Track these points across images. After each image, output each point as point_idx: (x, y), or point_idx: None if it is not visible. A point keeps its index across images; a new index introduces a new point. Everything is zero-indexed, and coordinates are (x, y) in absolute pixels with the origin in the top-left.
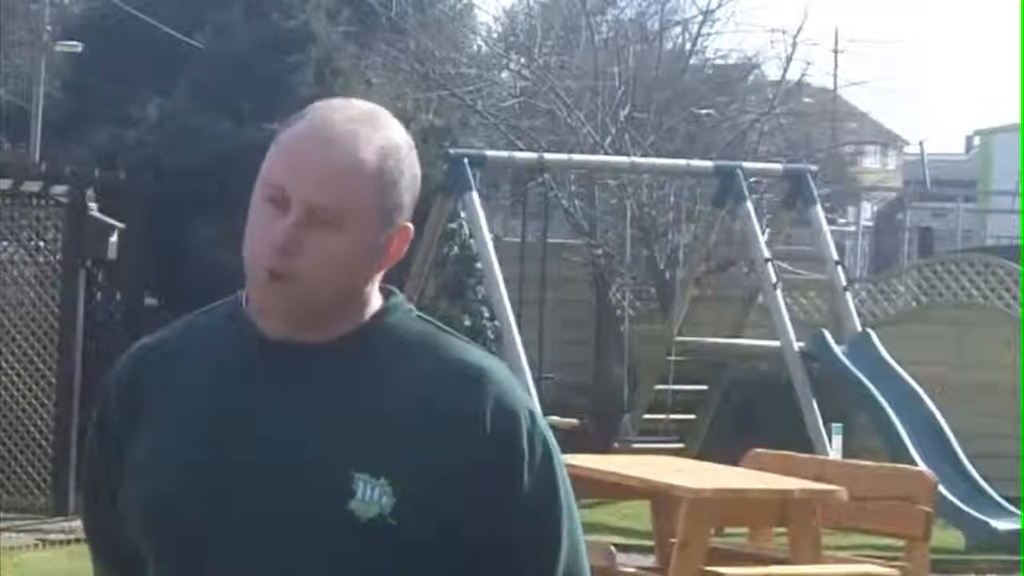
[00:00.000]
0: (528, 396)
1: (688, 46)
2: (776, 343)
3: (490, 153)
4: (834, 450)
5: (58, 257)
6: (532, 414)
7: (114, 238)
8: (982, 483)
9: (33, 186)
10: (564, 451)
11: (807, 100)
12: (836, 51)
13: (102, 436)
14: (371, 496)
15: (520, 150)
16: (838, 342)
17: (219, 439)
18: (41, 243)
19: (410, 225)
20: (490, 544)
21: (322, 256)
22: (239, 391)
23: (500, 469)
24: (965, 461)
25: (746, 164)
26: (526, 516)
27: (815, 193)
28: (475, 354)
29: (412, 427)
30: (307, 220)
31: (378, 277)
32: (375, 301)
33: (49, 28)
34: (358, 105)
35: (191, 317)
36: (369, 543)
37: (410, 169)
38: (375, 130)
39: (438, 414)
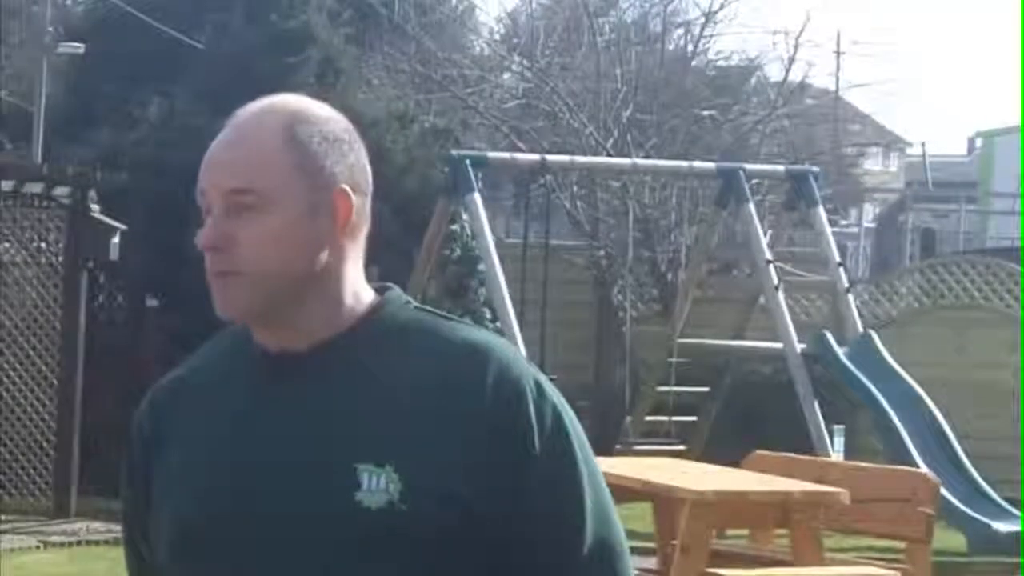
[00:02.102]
0: (534, 368)
1: (690, 48)
2: (778, 345)
3: (492, 155)
4: (836, 452)
5: (60, 258)
6: (538, 384)
7: (116, 239)
8: (984, 485)
9: (35, 187)
10: None
11: (809, 102)
12: (838, 53)
13: (132, 476)
14: (377, 485)
15: (522, 151)
16: (840, 343)
17: (221, 447)
18: (43, 244)
19: (346, 187)
20: (509, 519)
21: (256, 240)
22: (239, 403)
23: (507, 441)
24: (967, 463)
25: (748, 166)
26: (542, 487)
27: (817, 195)
28: (476, 333)
29: (414, 411)
30: (228, 211)
31: (350, 259)
32: (363, 293)
33: (50, 29)
34: (269, 98)
35: (200, 349)
36: (385, 532)
37: (327, 134)
38: (278, 108)
39: (440, 393)
